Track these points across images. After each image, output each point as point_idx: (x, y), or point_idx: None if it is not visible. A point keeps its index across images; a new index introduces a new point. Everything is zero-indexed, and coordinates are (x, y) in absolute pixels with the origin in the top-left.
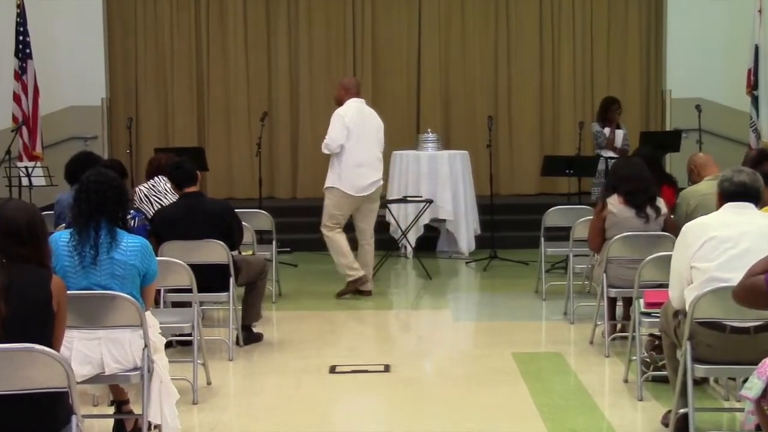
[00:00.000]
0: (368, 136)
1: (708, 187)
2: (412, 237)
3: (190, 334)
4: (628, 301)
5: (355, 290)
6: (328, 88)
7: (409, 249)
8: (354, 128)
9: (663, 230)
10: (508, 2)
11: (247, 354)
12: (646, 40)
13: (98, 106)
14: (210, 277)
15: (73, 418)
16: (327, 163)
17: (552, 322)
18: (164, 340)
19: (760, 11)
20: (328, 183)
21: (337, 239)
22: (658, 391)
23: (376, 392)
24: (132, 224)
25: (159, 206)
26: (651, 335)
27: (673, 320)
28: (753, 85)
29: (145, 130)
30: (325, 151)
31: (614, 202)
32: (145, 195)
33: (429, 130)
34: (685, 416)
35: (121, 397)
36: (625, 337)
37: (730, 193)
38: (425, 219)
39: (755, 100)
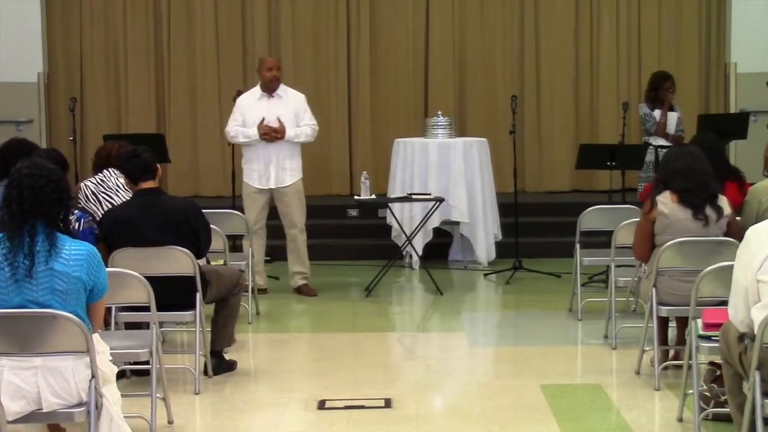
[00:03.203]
0: None
1: None
2: (419, 243)
3: (147, 362)
4: (682, 322)
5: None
6: (316, 62)
7: (415, 258)
8: None
9: (726, 235)
10: None
11: (217, 386)
12: (706, 2)
13: (34, 83)
14: (172, 292)
15: None
16: (313, 154)
17: (590, 347)
18: (116, 370)
19: None
20: (298, 175)
21: None
22: None
23: None
24: (76, 227)
25: (109, 205)
26: (711, 364)
27: (738, 345)
28: None
29: (92, 113)
30: (312, 140)
31: (666, 201)
32: (92, 192)
33: (439, 113)
34: None
35: None
36: (680, 366)
37: None
38: (435, 221)
39: None
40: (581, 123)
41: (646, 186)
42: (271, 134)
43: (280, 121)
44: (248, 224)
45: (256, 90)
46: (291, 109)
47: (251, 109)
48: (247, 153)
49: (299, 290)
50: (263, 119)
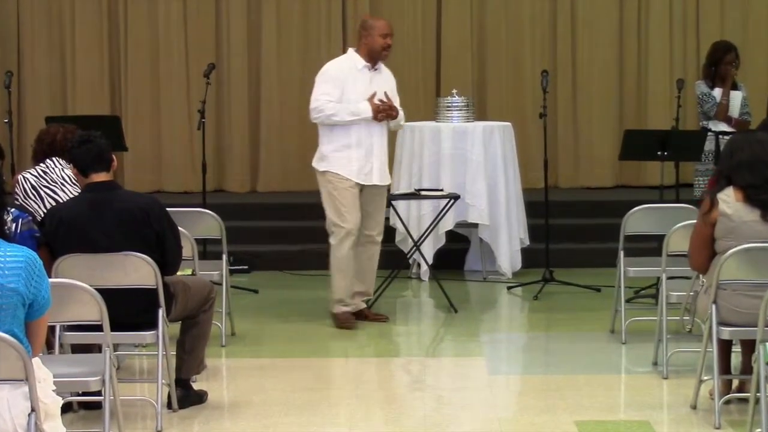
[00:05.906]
0: None
1: None
2: (429, 250)
3: (99, 393)
4: (748, 346)
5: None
6: (305, 30)
7: (424, 267)
8: None
9: None
10: None
11: (183, 421)
12: None
13: None
14: (129, 308)
15: None
16: (298, 141)
17: (636, 376)
18: (60, 402)
19: None
20: None
21: None
22: None
23: None
24: (12, 229)
25: (53, 202)
26: None
27: None
28: None
29: (32, 90)
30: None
31: (729, 200)
32: (33, 186)
33: (454, 91)
34: None
35: None
36: (745, 400)
37: None
38: (448, 223)
39: None
40: (626, 104)
41: (711, 181)
42: (388, 112)
43: (388, 97)
44: (341, 225)
45: (354, 58)
46: (390, 87)
47: (355, 83)
48: (340, 137)
49: (363, 315)
50: (374, 94)
